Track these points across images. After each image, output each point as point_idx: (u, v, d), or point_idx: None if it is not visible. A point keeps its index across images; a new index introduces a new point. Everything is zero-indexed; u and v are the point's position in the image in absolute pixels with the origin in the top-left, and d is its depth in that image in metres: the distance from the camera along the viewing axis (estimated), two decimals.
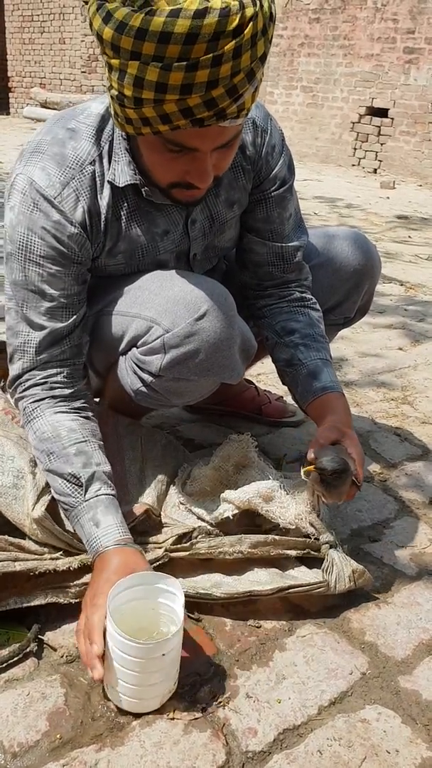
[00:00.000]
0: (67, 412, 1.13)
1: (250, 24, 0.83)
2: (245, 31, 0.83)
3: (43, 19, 12.20)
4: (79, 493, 1.07)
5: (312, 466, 1.11)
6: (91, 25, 0.88)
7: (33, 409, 1.13)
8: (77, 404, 1.16)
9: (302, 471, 1.16)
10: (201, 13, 0.80)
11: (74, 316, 1.13)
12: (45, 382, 1.14)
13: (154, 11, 0.81)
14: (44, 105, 11.60)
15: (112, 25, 0.84)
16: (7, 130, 10.35)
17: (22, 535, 1.13)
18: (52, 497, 1.12)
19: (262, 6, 0.85)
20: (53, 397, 1.14)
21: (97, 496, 1.07)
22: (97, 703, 0.95)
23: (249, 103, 0.91)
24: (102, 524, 1.05)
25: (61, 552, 1.10)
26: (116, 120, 0.97)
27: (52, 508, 1.13)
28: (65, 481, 1.08)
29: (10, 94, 13.35)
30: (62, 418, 1.12)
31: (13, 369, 1.15)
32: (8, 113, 13.45)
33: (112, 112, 0.98)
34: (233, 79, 0.86)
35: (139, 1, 0.83)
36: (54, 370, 1.14)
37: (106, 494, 1.08)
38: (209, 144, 0.95)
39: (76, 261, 1.10)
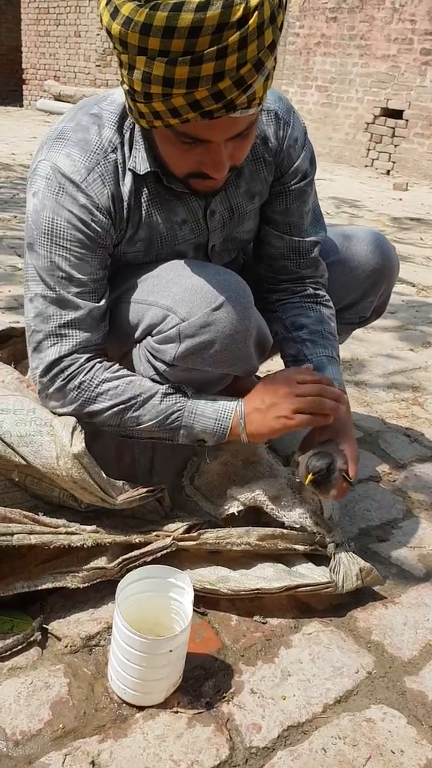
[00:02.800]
0: (115, 367, 1.15)
1: (256, 13, 0.81)
2: (250, 21, 0.81)
3: (59, 12, 12.19)
4: (182, 396, 1.13)
5: (311, 475, 1.09)
6: (101, 20, 0.87)
7: (91, 379, 1.11)
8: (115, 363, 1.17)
9: (295, 473, 1.15)
10: (203, 6, 0.79)
11: (104, 300, 1.12)
12: (89, 361, 1.12)
13: (159, 5, 0.80)
14: (58, 98, 11.61)
15: (119, 21, 0.83)
16: (21, 123, 10.35)
17: (35, 506, 1.12)
18: (85, 435, 1.10)
19: None
20: (99, 362, 1.13)
21: (193, 391, 1.14)
22: (100, 694, 0.94)
23: (260, 92, 0.90)
24: (218, 398, 1.14)
25: (76, 526, 1.09)
26: (131, 114, 0.97)
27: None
28: (164, 397, 1.12)
29: (24, 87, 13.35)
30: (119, 371, 1.14)
31: (47, 355, 1.11)
32: (22, 105, 13.45)
33: (127, 106, 0.97)
34: (240, 70, 0.84)
35: None
36: (92, 352, 1.13)
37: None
38: (221, 135, 0.94)
39: (101, 245, 1.09)
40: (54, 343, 1.11)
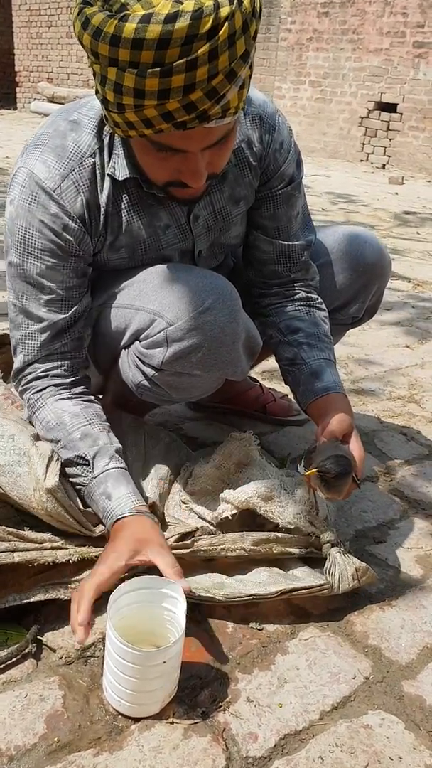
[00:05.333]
0: (69, 398, 1.14)
1: (226, 24, 0.80)
2: (220, 33, 0.80)
3: (50, 14, 12.18)
4: (88, 471, 1.09)
5: (315, 470, 1.09)
6: (74, 29, 0.87)
7: (36, 400, 1.14)
8: (78, 390, 1.17)
9: (301, 467, 1.14)
10: (171, 18, 0.78)
11: (74, 308, 1.12)
12: (46, 375, 1.14)
13: (128, 16, 0.79)
14: (51, 99, 11.59)
15: (90, 31, 0.83)
16: (14, 126, 10.34)
17: (21, 521, 1.12)
18: (61, 467, 1.11)
19: (241, 3, 0.81)
20: (55, 385, 1.14)
21: (105, 471, 1.09)
22: (95, 706, 0.94)
23: (236, 101, 0.89)
24: (114, 496, 1.06)
25: (62, 541, 1.08)
26: (107, 122, 0.97)
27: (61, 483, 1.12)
28: (74, 465, 1.10)
29: (17, 89, 13.34)
30: (65, 404, 1.13)
31: (16, 361, 1.16)
32: (15, 108, 13.44)
33: (103, 115, 0.97)
34: (211, 81, 0.83)
35: (116, 6, 0.81)
36: (54, 363, 1.14)
37: (115, 467, 1.10)
38: (196, 145, 0.94)
39: (74, 254, 1.09)
40: (21, 351, 1.14)
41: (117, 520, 1.04)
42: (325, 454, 1.10)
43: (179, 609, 0.96)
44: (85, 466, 1.09)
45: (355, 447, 1.16)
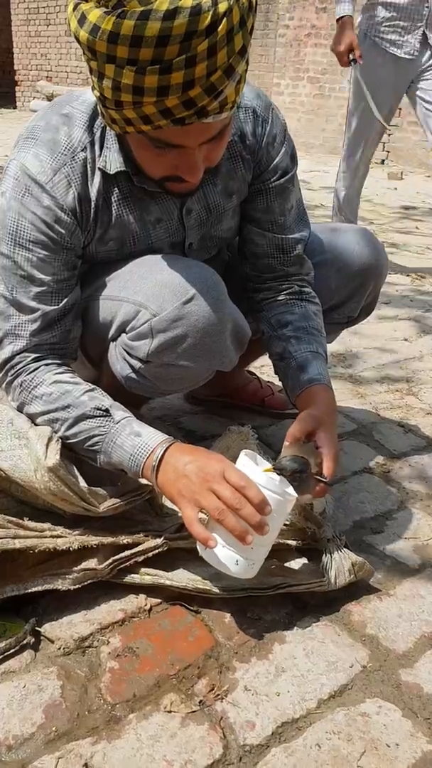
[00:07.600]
0: (64, 373, 1.13)
1: (224, 20, 0.80)
2: (219, 29, 0.80)
3: (48, 12, 12.15)
4: (108, 420, 1.08)
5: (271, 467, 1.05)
6: (69, 25, 0.87)
7: (31, 380, 1.11)
8: (69, 369, 1.16)
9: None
10: (171, 14, 0.78)
11: (65, 300, 1.12)
12: (37, 361, 1.13)
13: (126, 13, 0.79)
14: (51, 98, 11.57)
15: (87, 28, 0.82)
16: (14, 124, 10.33)
17: (21, 512, 1.12)
18: (62, 446, 1.09)
19: None
20: (47, 364, 1.13)
21: (125, 417, 1.08)
22: (94, 696, 0.94)
23: (233, 96, 0.89)
24: (143, 433, 1.06)
25: (62, 529, 1.08)
26: (103, 119, 0.97)
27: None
28: (90, 418, 1.08)
29: (17, 88, 13.31)
30: (64, 377, 1.12)
31: (3, 353, 1.13)
32: (15, 107, 13.42)
33: (99, 112, 0.97)
34: (210, 77, 0.83)
35: (113, 2, 0.80)
36: (44, 353, 1.14)
37: (132, 416, 1.09)
38: (194, 140, 0.94)
39: (65, 247, 1.09)
40: (10, 342, 1.12)
41: (159, 450, 1.03)
42: (281, 458, 1.06)
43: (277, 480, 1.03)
44: (103, 418, 1.08)
45: (323, 444, 1.10)
